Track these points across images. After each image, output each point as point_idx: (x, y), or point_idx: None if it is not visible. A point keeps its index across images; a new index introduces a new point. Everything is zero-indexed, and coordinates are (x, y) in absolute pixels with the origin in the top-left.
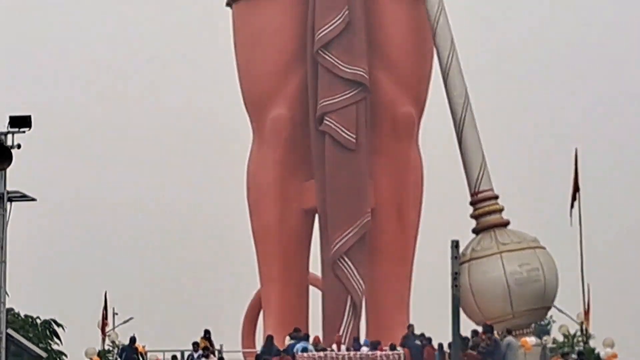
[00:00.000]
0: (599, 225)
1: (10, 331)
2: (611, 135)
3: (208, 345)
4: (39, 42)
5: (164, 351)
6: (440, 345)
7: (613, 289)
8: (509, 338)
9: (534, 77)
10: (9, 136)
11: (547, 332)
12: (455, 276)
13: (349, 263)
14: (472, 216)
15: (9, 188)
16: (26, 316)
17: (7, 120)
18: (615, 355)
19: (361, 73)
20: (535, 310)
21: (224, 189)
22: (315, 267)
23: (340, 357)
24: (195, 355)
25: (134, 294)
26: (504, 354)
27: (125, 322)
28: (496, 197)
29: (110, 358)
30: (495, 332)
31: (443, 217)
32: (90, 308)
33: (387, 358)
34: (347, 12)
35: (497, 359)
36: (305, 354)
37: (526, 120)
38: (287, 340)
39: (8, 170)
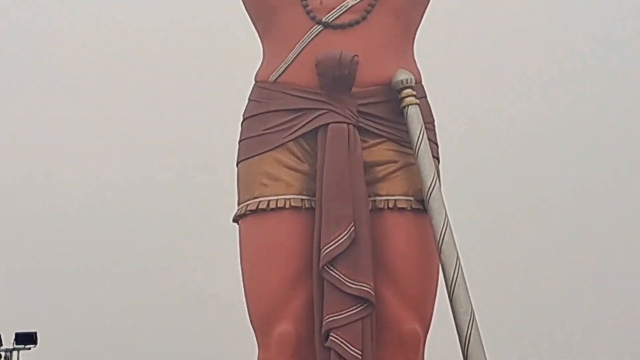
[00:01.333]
0: None
1: None
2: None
3: None
4: (44, 250)
5: None
6: None
7: None
8: None
9: (540, 301)
10: (15, 353)
11: None
12: None
13: None
14: None
15: None
16: None
17: (13, 337)
18: None
19: (367, 289)
20: None
21: None
22: None
23: None
24: None
25: None
26: None
27: None
28: None
29: None
30: None
31: None
32: None
33: None
34: (353, 228)
35: None
36: None
37: (532, 334)
38: None
39: None
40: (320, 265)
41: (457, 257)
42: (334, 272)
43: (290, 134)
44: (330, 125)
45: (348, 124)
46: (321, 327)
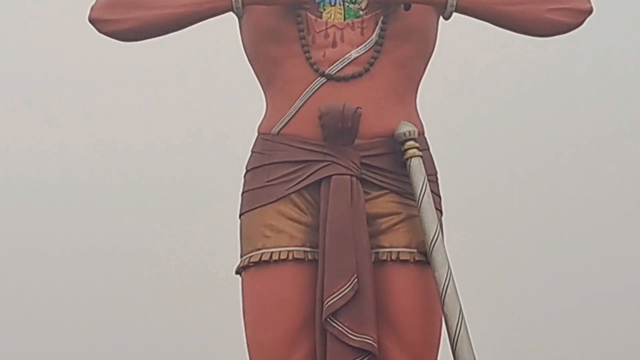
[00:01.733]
0: None
1: None
2: None
3: None
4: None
5: None
6: None
7: None
8: None
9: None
10: None
11: None
12: None
13: None
14: None
15: None
16: None
17: None
18: None
19: (370, 342)
20: None
21: None
22: None
23: None
24: None
25: None
26: None
27: None
28: None
29: None
30: None
31: None
32: None
33: None
34: (356, 280)
35: None
36: None
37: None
38: None
39: None
40: (323, 317)
41: (460, 310)
42: (337, 324)
43: (293, 185)
44: (333, 177)
45: (351, 175)
46: None
